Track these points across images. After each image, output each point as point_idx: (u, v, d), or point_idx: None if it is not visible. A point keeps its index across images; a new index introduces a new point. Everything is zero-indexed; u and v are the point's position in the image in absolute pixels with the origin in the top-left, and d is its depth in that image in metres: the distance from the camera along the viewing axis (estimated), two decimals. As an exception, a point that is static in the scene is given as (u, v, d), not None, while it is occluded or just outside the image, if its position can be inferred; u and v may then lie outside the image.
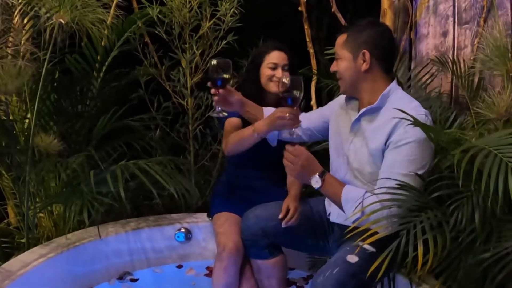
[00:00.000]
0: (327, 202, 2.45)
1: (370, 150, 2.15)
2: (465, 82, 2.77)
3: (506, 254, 1.78)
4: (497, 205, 1.88)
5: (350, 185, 2.18)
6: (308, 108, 3.44)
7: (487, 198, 1.84)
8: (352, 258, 2.09)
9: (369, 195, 2.05)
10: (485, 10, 2.94)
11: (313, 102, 3.54)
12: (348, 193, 2.12)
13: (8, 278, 2.38)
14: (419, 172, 2.05)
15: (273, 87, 2.71)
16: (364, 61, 2.14)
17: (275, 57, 2.73)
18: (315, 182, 2.15)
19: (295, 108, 2.28)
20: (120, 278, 2.92)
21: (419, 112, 2.09)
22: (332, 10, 3.40)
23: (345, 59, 2.19)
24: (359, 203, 2.04)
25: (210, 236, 2.95)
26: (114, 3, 2.94)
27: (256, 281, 2.64)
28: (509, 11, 2.89)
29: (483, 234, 1.91)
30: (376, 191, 2.03)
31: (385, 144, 2.09)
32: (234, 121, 2.75)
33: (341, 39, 2.22)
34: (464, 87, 2.78)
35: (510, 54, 2.45)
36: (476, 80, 2.78)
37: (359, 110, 2.24)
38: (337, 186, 2.15)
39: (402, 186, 1.99)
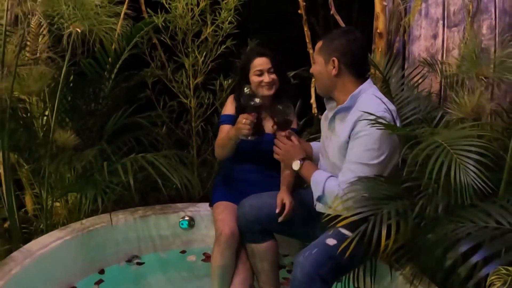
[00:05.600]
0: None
1: (339, 144, 2.36)
2: (452, 83, 2.84)
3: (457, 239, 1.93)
4: (457, 194, 2.03)
5: (321, 170, 2.41)
6: (307, 106, 3.61)
7: (449, 187, 2.02)
8: (331, 241, 2.26)
9: (331, 180, 2.31)
10: (470, 14, 3.00)
11: (312, 100, 3.67)
12: (316, 176, 2.37)
13: (29, 257, 2.60)
14: (375, 161, 2.25)
15: (264, 91, 2.89)
16: (334, 67, 2.35)
17: (259, 63, 2.89)
18: (296, 165, 2.43)
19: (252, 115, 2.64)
20: (129, 261, 3.12)
21: (379, 108, 2.29)
22: (331, 12, 3.50)
23: (319, 64, 2.42)
24: (322, 185, 2.32)
25: (211, 224, 3.07)
26: (122, 13, 3.12)
27: (251, 264, 2.81)
28: (493, 15, 2.99)
29: (445, 221, 2.05)
30: (339, 179, 2.27)
31: (349, 136, 2.30)
32: (227, 128, 2.95)
33: (317, 45, 2.45)
34: (451, 87, 2.85)
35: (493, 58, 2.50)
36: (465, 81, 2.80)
37: None
38: (311, 171, 2.40)
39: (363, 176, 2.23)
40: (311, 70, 2.51)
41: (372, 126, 2.20)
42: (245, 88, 2.71)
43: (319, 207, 2.52)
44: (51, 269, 2.71)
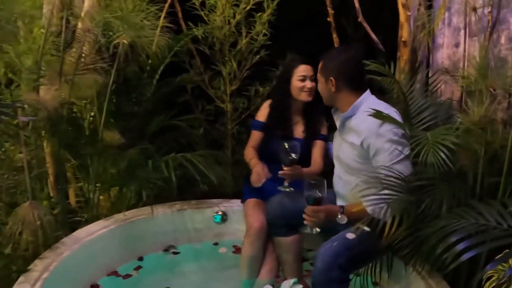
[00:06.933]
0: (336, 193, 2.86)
1: (348, 146, 2.63)
2: (470, 92, 2.87)
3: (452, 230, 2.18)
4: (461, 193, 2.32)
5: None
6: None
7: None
8: (350, 235, 2.51)
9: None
10: (490, 24, 3.05)
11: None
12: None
13: (77, 242, 2.85)
14: (404, 155, 2.49)
15: (304, 97, 3.07)
16: (332, 85, 2.63)
17: (303, 70, 3.04)
18: (342, 219, 2.58)
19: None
20: (166, 250, 3.30)
21: (388, 110, 2.55)
22: (359, 20, 3.63)
23: (321, 82, 2.72)
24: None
25: (243, 219, 3.22)
26: (159, 25, 3.36)
27: (277, 255, 3.02)
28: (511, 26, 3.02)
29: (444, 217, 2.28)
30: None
31: (361, 144, 2.54)
32: (256, 134, 3.22)
33: (320, 65, 2.73)
34: (468, 96, 2.91)
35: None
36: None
37: None
38: (357, 207, 2.55)
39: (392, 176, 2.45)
40: (318, 87, 2.80)
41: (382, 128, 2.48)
42: (285, 144, 2.84)
43: (338, 203, 2.77)
44: (96, 254, 2.93)
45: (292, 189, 2.82)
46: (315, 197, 2.58)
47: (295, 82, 3.07)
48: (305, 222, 2.61)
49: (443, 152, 2.28)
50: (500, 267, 1.98)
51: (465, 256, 2.01)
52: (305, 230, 2.69)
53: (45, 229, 2.64)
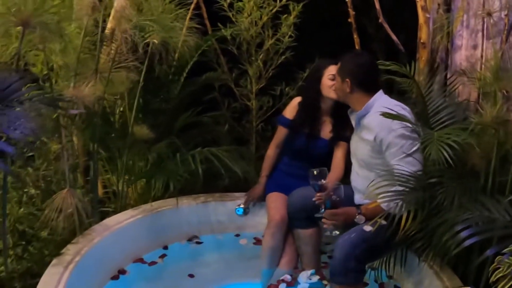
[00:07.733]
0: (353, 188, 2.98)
1: (362, 143, 2.79)
2: (487, 93, 2.92)
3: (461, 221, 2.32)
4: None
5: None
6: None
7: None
8: (367, 228, 2.62)
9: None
10: (506, 27, 3.04)
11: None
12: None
13: (107, 230, 3.01)
14: (415, 149, 2.63)
15: (334, 94, 3.06)
16: (348, 86, 2.80)
17: (333, 69, 3.06)
18: (360, 219, 2.71)
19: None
20: (189, 240, 3.40)
21: (396, 108, 2.68)
22: (379, 21, 3.66)
23: (337, 81, 2.89)
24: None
25: (264, 212, 3.31)
26: (185, 27, 3.51)
27: (296, 247, 3.14)
28: (527, 29, 2.98)
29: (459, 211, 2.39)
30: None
31: (374, 139, 2.69)
32: (282, 130, 3.34)
33: (337, 66, 2.91)
34: (487, 97, 2.93)
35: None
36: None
37: None
38: (373, 204, 2.66)
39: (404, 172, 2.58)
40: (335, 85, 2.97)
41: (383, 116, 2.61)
42: (314, 171, 2.86)
43: (357, 199, 2.90)
44: (124, 241, 3.07)
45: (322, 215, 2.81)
46: (332, 201, 2.72)
47: (325, 81, 3.14)
48: (324, 226, 2.76)
49: (445, 150, 2.40)
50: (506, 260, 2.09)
51: (467, 242, 2.18)
52: (325, 233, 2.83)
53: (81, 215, 2.78)
